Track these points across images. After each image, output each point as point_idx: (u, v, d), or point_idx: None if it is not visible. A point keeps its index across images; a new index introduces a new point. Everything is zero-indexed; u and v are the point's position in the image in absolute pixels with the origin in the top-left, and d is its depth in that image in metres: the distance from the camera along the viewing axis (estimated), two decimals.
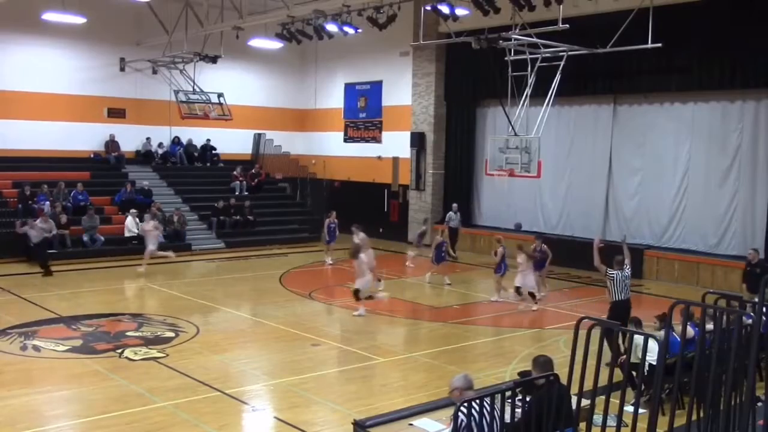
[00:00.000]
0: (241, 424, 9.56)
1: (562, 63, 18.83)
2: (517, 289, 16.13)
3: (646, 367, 8.35)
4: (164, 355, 11.96)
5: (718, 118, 19.43)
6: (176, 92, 25.82)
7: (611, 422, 6.03)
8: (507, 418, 5.77)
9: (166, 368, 11.25)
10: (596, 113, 21.95)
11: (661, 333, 8.02)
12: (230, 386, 10.46)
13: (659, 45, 17.40)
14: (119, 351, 12.11)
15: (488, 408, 5.59)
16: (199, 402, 9.81)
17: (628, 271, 11.94)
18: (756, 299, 8.21)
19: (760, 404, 6.66)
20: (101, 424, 8.96)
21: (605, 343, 6.22)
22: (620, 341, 9.14)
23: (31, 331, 13.26)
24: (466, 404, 5.51)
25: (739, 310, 6.07)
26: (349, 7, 18.51)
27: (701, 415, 5.96)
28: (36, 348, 12.22)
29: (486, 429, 5.58)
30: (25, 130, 23.78)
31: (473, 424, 5.56)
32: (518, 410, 6.19)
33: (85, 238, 21.48)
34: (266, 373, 11.39)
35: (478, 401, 5.55)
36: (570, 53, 18.79)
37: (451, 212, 23.07)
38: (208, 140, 27.66)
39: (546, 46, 18.77)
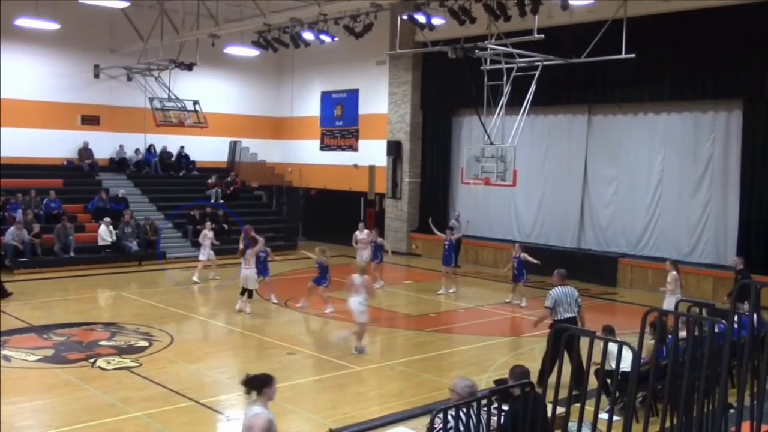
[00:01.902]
0: None
1: (537, 73, 18.99)
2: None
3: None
4: (138, 364, 11.83)
5: (690, 128, 19.69)
6: (151, 99, 25.63)
7: (586, 429, 6.07)
8: (483, 426, 5.77)
9: (139, 378, 11.12)
10: (571, 123, 22.13)
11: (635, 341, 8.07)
12: (205, 396, 10.37)
13: (632, 56, 17.62)
14: (92, 360, 11.96)
15: (464, 416, 5.59)
16: (173, 412, 9.71)
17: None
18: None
19: (732, 411, 6.73)
20: None
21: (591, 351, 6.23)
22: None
23: (2, 340, 13.05)
24: (442, 412, 5.51)
25: (712, 317, 6.14)
26: (325, 15, 18.52)
27: (674, 422, 6.00)
28: (6, 358, 12.02)
29: None
30: None
31: None
32: (494, 418, 6.21)
33: (56, 247, 21.22)
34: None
35: (454, 409, 5.55)
36: (545, 63, 18.96)
37: (453, 221, 22.85)
38: (182, 147, 27.49)
39: (521, 56, 18.93)
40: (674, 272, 13.61)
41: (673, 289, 13.45)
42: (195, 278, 19.36)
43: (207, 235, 19.90)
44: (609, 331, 10.23)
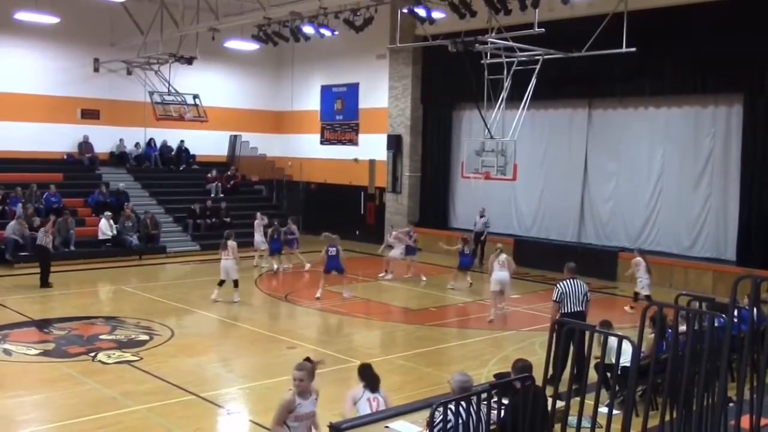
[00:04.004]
0: (216, 427, 9.51)
1: (538, 67, 18.94)
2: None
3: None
4: (138, 358, 11.85)
5: (691, 123, 19.67)
6: (151, 93, 25.59)
7: (586, 423, 6.08)
8: (483, 420, 5.78)
9: (140, 372, 11.15)
10: (571, 117, 22.11)
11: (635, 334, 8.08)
12: (205, 389, 10.39)
13: (633, 50, 17.57)
14: (92, 354, 11.99)
15: (464, 410, 5.60)
16: (174, 405, 9.73)
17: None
18: None
19: (731, 405, 6.74)
20: (74, 429, 8.85)
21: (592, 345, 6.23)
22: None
23: (2, 334, 13.08)
24: (441, 407, 5.52)
25: (712, 311, 6.14)
26: (325, 9, 18.49)
27: (674, 416, 6.01)
28: (7, 352, 12.05)
29: (462, 431, 5.59)
30: None
31: (449, 426, 5.57)
32: (494, 412, 6.21)
33: (57, 241, 21.20)
34: (241, 376, 11.33)
35: (453, 403, 5.55)
36: (545, 57, 18.91)
37: (476, 216, 22.65)
38: (182, 141, 27.48)
39: (522, 50, 18.87)
40: (637, 258, 16.13)
41: (640, 275, 15.89)
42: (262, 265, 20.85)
43: (260, 224, 21.25)
44: (606, 326, 10.20)
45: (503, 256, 15.65)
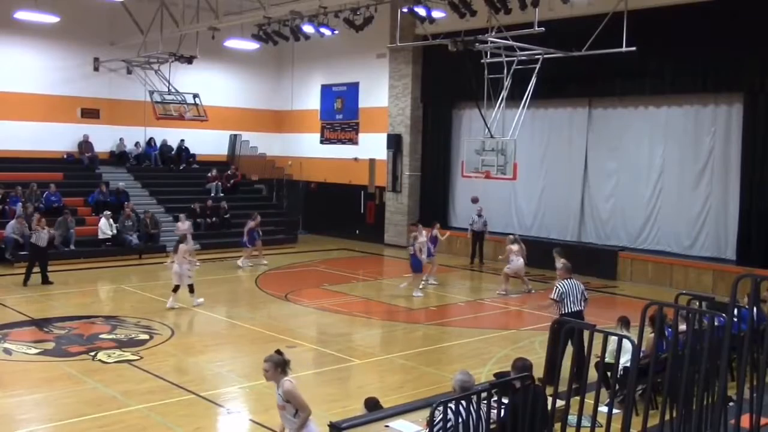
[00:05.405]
0: (216, 426, 9.50)
1: (538, 66, 18.95)
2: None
3: (620, 369, 8.41)
4: (138, 357, 11.85)
5: (691, 121, 19.66)
6: (151, 93, 25.57)
7: (585, 422, 6.08)
8: (483, 419, 5.78)
9: (140, 371, 11.15)
10: (571, 116, 22.10)
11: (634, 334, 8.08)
12: (205, 389, 10.39)
13: (633, 49, 17.58)
14: (92, 354, 11.98)
15: (464, 409, 5.60)
16: (174, 405, 9.73)
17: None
18: None
19: (731, 404, 6.74)
20: (74, 428, 8.86)
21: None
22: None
23: (2, 333, 13.07)
24: (441, 406, 5.52)
25: (712, 311, 6.14)
26: (325, 8, 18.49)
27: (674, 415, 6.02)
28: (7, 351, 12.05)
29: (461, 430, 5.59)
30: None
31: (449, 425, 5.57)
32: (494, 411, 6.22)
33: (57, 240, 21.19)
34: (242, 375, 11.33)
35: (454, 402, 5.56)
36: (546, 56, 18.91)
37: (474, 215, 22.51)
38: (182, 141, 27.48)
39: (522, 49, 18.88)
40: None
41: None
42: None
43: (180, 227, 21.00)
44: (624, 323, 10.25)
45: (518, 246, 17.83)
